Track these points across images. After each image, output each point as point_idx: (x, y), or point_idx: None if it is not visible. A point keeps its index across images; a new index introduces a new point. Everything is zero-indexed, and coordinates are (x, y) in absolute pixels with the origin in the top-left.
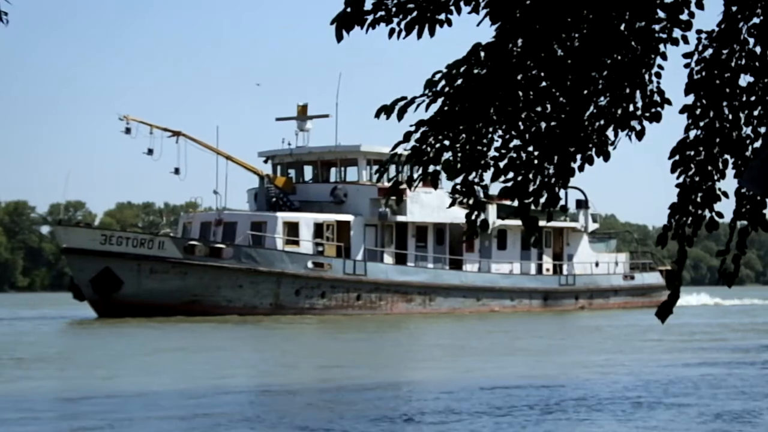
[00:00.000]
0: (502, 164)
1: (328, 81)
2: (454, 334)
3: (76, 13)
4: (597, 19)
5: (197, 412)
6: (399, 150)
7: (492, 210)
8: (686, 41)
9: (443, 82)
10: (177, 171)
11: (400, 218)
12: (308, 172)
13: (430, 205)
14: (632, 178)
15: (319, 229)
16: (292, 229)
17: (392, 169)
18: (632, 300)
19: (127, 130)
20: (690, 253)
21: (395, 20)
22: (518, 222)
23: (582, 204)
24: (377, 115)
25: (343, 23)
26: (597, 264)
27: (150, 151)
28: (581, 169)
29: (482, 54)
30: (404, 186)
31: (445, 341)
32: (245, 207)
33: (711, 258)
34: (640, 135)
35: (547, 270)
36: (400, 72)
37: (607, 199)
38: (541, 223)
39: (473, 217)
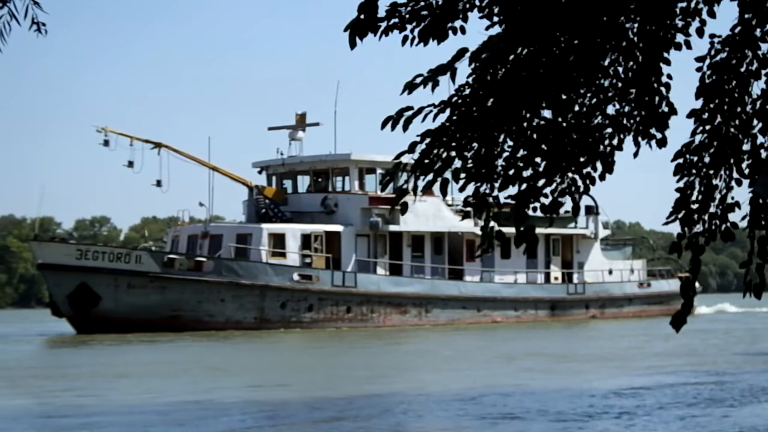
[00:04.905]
0: (510, 172)
1: (325, 89)
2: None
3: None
4: (608, 26)
5: None
6: (403, 159)
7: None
8: (689, 46)
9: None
10: (159, 183)
11: (393, 228)
12: (304, 182)
13: (426, 213)
14: (657, 186)
15: (306, 241)
16: (278, 240)
17: (397, 177)
18: (648, 308)
19: (106, 143)
20: (716, 260)
21: (408, 27)
22: None
23: (591, 210)
24: (383, 126)
25: (357, 30)
26: (610, 272)
27: (130, 164)
28: (602, 178)
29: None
30: (406, 195)
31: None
32: (242, 219)
33: (737, 265)
34: (660, 143)
35: (556, 279)
36: (399, 78)
37: (631, 206)
38: (549, 231)
39: (488, 230)
